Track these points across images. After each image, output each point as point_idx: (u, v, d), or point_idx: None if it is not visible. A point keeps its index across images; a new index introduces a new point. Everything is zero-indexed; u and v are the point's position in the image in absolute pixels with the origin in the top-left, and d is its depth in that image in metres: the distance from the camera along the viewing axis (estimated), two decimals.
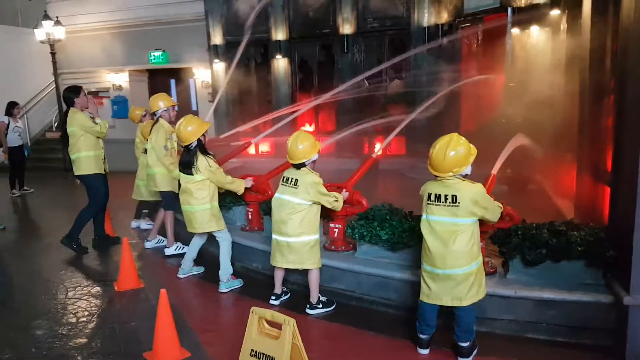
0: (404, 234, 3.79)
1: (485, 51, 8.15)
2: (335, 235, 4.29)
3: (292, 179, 3.75)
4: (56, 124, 13.07)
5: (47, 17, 11.54)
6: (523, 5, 7.49)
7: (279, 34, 10.48)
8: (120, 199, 7.04)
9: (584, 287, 3.28)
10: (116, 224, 6.41)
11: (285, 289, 4.13)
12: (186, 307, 4.05)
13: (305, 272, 3.90)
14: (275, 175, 4.68)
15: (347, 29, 10.02)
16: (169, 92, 12.83)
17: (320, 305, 3.86)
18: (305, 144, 3.70)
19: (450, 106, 7.47)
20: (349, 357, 3.26)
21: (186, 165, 4.26)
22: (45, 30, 11.48)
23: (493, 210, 3.07)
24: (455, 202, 2.94)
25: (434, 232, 3.01)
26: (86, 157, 5.26)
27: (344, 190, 4.15)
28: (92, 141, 5.28)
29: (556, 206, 5.50)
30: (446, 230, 2.96)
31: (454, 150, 2.93)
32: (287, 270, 4.00)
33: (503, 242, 3.53)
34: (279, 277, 4.02)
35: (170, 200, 5.27)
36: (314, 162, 3.82)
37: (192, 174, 4.25)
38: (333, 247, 4.29)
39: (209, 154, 4.31)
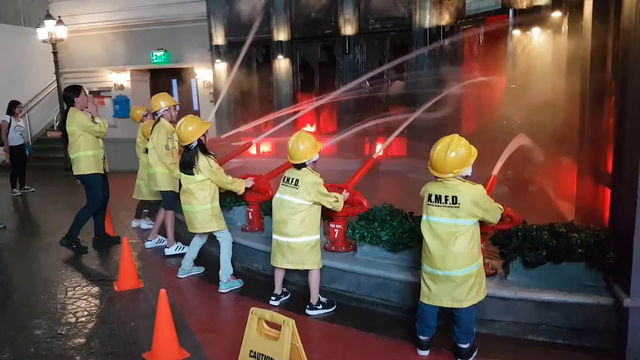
0: (405, 235, 3.79)
1: (486, 53, 8.15)
2: (336, 235, 4.28)
3: (292, 179, 3.75)
4: (57, 123, 13.09)
5: (49, 16, 11.56)
6: (524, 7, 7.49)
7: (281, 35, 10.49)
8: (121, 198, 7.05)
9: (584, 289, 3.27)
10: (116, 223, 6.42)
11: (285, 290, 4.13)
12: (186, 308, 4.04)
13: (305, 273, 3.90)
14: (276, 176, 4.67)
15: (348, 29, 10.02)
16: (170, 92, 12.85)
17: (320, 306, 3.85)
18: (306, 144, 3.70)
19: (452, 107, 7.46)
20: (349, 358, 3.25)
21: (187, 165, 4.26)
22: (48, 29, 11.51)
23: (493, 212, 3.07)
24: (456, 203, 2.93)
25: (434, 233, 3.00)
26: (85, 157, 5.25)
27: (345, 190, 4.14)
28: (91, 141, 5.28)
29: (557, 208, 5.49)
30: (446, 232, 2.96)
31: (454, 151, 2.93)
32: (287, 271, 4.00)
33: (503, 244, 3.53)
34: (279, 277, 4.01)
35: (171, 200, 5.27)
36: (314, 162, 3.82)
37: (192, 174, 4.25)
38: (333, 247, 4.29)
39: (210, 154, 4.31)
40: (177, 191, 4.98)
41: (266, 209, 4.71)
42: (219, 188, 4.43)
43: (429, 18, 9.33)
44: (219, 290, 4.33)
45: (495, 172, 3.75)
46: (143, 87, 13.43)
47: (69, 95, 5.29)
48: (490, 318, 3.42)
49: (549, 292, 3.30)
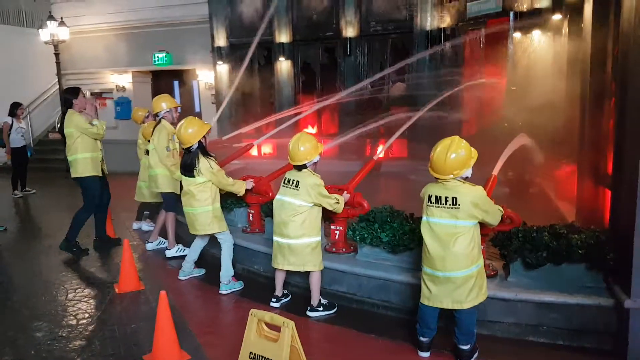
0: (405, 236, 3.79)
1: (487, 55, 8.16)
2: (336, 237, 4.29)
3: (293, 180, 3.76)
4: (58, 125, 13.14)
5: (51, 17, 11.60)
6: (525, 10, 7.51)
7: (283, 37, 10.51)
8: (122, 200, 7.06)
9: (584, 290, 3.27)
10: (117, 225, 6.43)
11: (286, 292, 4.13)
12: (187, 309, 4.05)
13: (306, 275, 3.90)
14: (277, 177, 4.68)
15: (350, 32, 10.04)
16: (172, 94, 12.88)
17: (321, 308, 3.86)
18: (306, 145, 3.71)
19: (452, 109, 7.47)
20: None
21: (188, 167, 4.27)
22: (50, 30, 11.54)
23: (494, 214, 3.07)
24: (456, 204, 2.94)
25: (434, 234, 3.01)
26: (83, 159, 5.25)
27: (345, 192, 4.15)
28: (89, 143, 5.27)
29: (557, 209, 5.49)
30: (446, 233, 2.96)
31: (454, 152, 2.94)
32: (288, 273, 4.00)
33: (504, 245, 3.53)
34: (280, 279, 4.02)
35: (172, 201, 5.28)
36: (315, 163, 3.83)
37: (193, 176, 4.25)
38: (334, 249, 4.29)
39: (211, 156, 4.31)
40: (178, 193, 4.99)
41: (267, 210, 4.71)
42: (220, 190, 4.43)
43: (430, 20, 9.35)
44: (220, 292, 4.33)
45: (495, 172, 3.75)
46: (145, 89, 13.46)
47: (68, 97, 5.31)
48: (490, 319, 3.42)
49: (549, 293, 3.30)
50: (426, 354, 3.20)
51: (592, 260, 3.25)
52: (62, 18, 11.70)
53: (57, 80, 12.23)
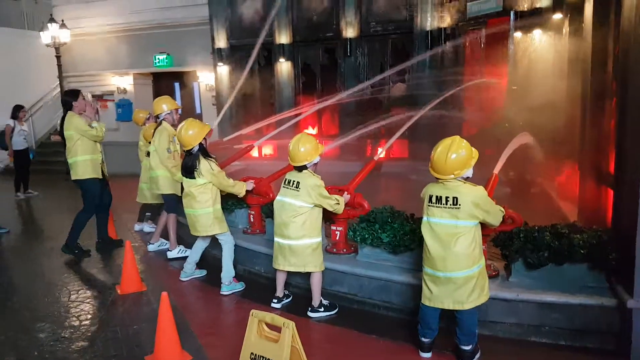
0: (406, 236, 3.78)
1: (487, 55, 8.16)
2: (337, 238, 4.29)
3: (293, 181, 3.76)
4: (59, 127, 13.18)
5: (52, 20, 11.63)
6: (525, 10, 7.50)
7: (283, 38, 10.52)
8: (124, 201, 7.08)
9: (587, 290, 3.26)
10: (119, 226, 6.44)
11: (287, 292, 4.13)
12: (188, 310, 4.05)
13: (307, 275, 3.90)
14: (278, 178, 4.68)
15: (350, 32, 10.05)
16: (173, 96, 12.91)
17: (322, 309, 3.85)
18: (307, 146, 3.71)
19: (453, 109, 7.47)
20: None
21: (188, 169, 4.27)
22: (51, 33, 11.57)
23: (495, 214, 3.06)
24: (456, 204, 2.93)
25: (435, 235, 3.00)
26: (83, 161, 5.25)
27: (346, 192, 4.15)
28: (88, 145, 5.27)
29: (559, 209, 5.48)
30: (447, 233, 2.95)
31: (455, 152, 2.93)
32: (289, 273, 4.00)
33: (505, 245, 3.52)
34: (280, 280, 4.02)
35: (173, 203, 5.29)
36: (315, 164, 3.83)
37: (194, 178, 4.26)
38: (335, 249, 4.29)
39: (211, 157, 4.32)
40: (179, 194, 5.00)
41: (267, 211, 4.71)
42: (220, 191, 4.44)
43: (430, 20, 9.35)
44: (221, 293, 4.34)
45: (496, 170, 3.74)
46: (146, 91, 13.50)
47: (67, 100, 5.31)
48: (492, 320, 3.41)
49: (551, 293, 3.29)
50: (427, 355, 3.19)
51: (594, 260, 3.24)
52: (63, 20, 11.73)
53: (58, 82, 12.27)
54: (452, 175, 2.95)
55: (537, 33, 7.33)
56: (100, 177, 5.44)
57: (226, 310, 4.18)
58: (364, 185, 4.42)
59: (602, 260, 3.22)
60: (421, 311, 3.15)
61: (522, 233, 3.45)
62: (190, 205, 4.35)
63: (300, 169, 3.75)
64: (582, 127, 5.01)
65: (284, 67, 10.68)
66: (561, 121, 5.93)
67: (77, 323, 3.86)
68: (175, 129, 5.03)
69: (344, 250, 4.27)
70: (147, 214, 6.53)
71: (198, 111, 13.36)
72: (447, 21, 9.12)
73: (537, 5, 7.37)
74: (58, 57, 11.84)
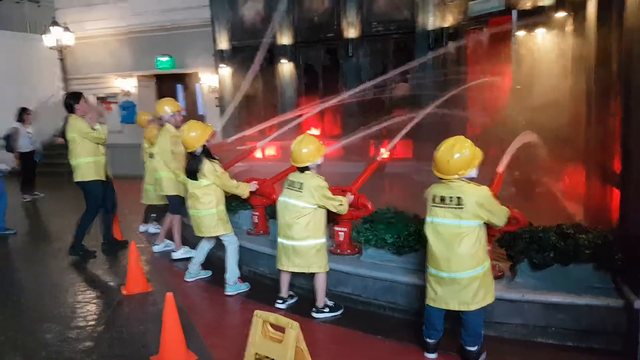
0: (410, 237, 3.78)
1: (490, 54, 8.13)
2: (341, 238, 4.28)
3: (296, 182, 3.76)
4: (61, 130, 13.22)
5: (55, 23, 11.68)
6: (528, 8, 7.48)
7: (284, 39, 10.53)
8: (129, 203, 7.10)
9: (592, 290, 3.25)
10: (125, 228, 6.46)
11: (291, 293, 4.13)
12: (193, 311, 4.06)
13: (311, 276, 3.90)
14: (281, 179, 4.68)
15: (351, 33, 10.04)
16: (176, 97, 12.95)
17: (327, 310, 3.85)
18: (309, 147, 3.71)
19: (457, 109, 7.46)
20: None
21: (192, 170, 4.28)
22: (54, 36, 11.62)
23: (499, 214, 3.04)
24: (460, 204, 2.92)
25: (438, 235, 2.99)
26: (85, 163, 5.27)
27: (349, 193, 4.15)
28: (91, 147, 5.28)
29: (565, 209, 5.46)
30: (450, 233, 2.94)
31: (459, 152, 2.92)
32: (293, 274, 4.00)
33: (510, 246, 3.51)
34: (285, 280, 4.02)
35: (177, 204, 5.30)
36: (318, 165, 3.83)
37: (198, 179, 4.27)
38: (339, 250, 4.29)
39: (214, 159, 4.33)
40: (183, 195, 5.01)
41: (271, 212, 4.71)
42: (224, 192, 4.44)
43: (432, 20, 9.33)
44: (226, 294, 4.35)
45: (501, 168, 3.72)
46: (149, 93, 13.53)
47: (69, 102, 5.33)
48: (497, 320, 3.40)
49: (556, 294, 3.28)
50: (433, 356, 3.19)
51: (600, 261, 3.22)
52: (65, 23, 11.79)
53: (62, 85, 12.32)
54: (456, 176, 2.94)
55: (540, 32, 7.30)
56: (103, 179, 5.45)
57: (231, 311, 4.19)
58: (368, 186, 4.42)
59: (608, 261, 3.20)
60: (426, 312, 3.14)
61: (527, 233, 3.44)
62: (194, 206, 4.36)
63: (303, 169, 3.76)
64: (587, 126, 4.99)
65: (285, 68, 10.69)
66: (565, 120, 5.90)
67: (83, 323, 3.88)
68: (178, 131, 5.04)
69: (348, 251, 4.27)
70: (152, 215, 6.55)
71: (200, 113, 13.39)
72: (449, 20, 9.10)
73: (540, 4, 7.34)
74: (61, 60, 11.90)
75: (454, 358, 3.17)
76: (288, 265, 3.83)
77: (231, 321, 4.07)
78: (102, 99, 13.47)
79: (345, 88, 9.76)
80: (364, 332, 3.59)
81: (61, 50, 11.79)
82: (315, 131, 10.62)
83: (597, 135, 4.48)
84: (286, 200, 3.79)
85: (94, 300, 4.38)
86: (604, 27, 4.31)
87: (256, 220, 5.02)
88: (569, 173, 5.86)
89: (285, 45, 10.51)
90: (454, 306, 2.99)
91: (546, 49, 7.20)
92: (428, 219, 3.08)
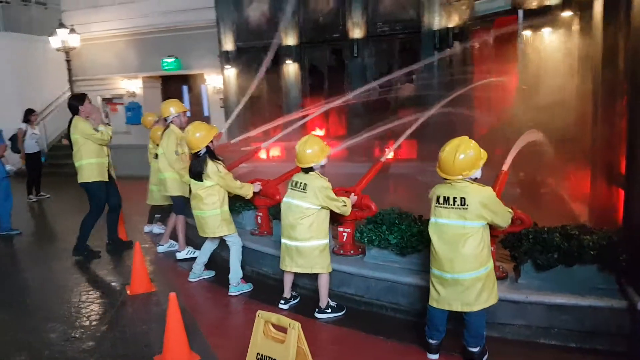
0: (413, 238, 3.77)
1: (496, 53, 8.10)
2: (344, 239, 4.28)
3: (300, 183, 3.76)
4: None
5: (62, 25, 11.78)
6: (534, 8, 7.43)
7: (290, 39, 10.54)
8: (134, 203, 7.14)
9: (596, 291, 3.22)
10: (130, 228, 6.50)
11: (294, 293, 4.13)
12: (197, 311, 4.08)
13: (314, 277, 3.90)
14: (285, 180, 4.69)
15: (357, 33, 10.04)
16: (181, 98, 13.02)
17: (330, 310, 3.85)
18: (314, 148, 3.71)
19: (463, 109, 7.43)
20: None
21: (196, 171, 4.30)
22: (61, 38, 11.72)
23: (503, 215, 3.02)
24: (464, 204, 2.91)
25: (442, 236, 2.98)
26: (88, 165, 5.30)
27: (353, 194, 4.14)
28: (94, 149, 5.31)
29: (570, 209, 5.42)
30: (454, 233, 2.93)
31: (463, 153, 2.91)
32: (296, 275, 4.01)
33: (514, 246, 3.49)
34: (288, 281, 4.02)
35: (181, 204, 5.32)
36: (322, 166, 3.83)
37: (202, 180, 4.28)
38: (342, 251, 4.28)
39: (218, 160, 4.34)
40: (187, 196, 5.03)
41: (275, 213, 4.73)
42: (228, 192, 4.46)
43: (437, 20, 9.31)
44: (229, 294, 4.36)
45: (505, 167, 3.70)
46: (154, 94, 13.61)
47: (74, 104, 5.37)
48: (501, 321, 3.38)
49: (560, 295, 3.26)
50: (435, 356, 3.17)
51: (604, 262, 3.20)
52: (72, 25, 11.88)
53: (69, 86, 12.42)
54: (460, 176, 2.93)
55: (546, 31, 7.26)
56: (107, 180, 5.47)
57: (234, 311, 4.20)
58: (372, 187, 4.41)
59: (612, 262, 3.17)
60: (429, 313, 3.13)
61: (531, 234, 3.42)
62: (198, 207, 4.37)
63: (307, 170, 3.76)
64: (593, 126, 4.96)
65: (290, 68, 10.71)
66: (572, 120, 5.86)
67: (87, 323, 3.91)
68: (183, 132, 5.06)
69: (352, 251, 4.26)
70: (156, 215, 6.59)
71: (206, 114, 13.44)
72: (455, 20, 9.07)
73: (546, 3, 7.30)
74: (68, 62, 11.99)
75: (456, 359, 3.15)
76: (291, 265, 3.83)
77: (234, 321, 4.08)
78: (107, 100, 13.57)
79: (351, 89, 9.76)
80: (366, 332, 3.58)
81: (67, 51, 11.87)
82: (319, 132, 10.63)
83: (603, 136, 4.45)
84: (290, 201, 3.79)
85: (98, 300, 4.41)
86: (610, 27, 4.27)
87: (260, 221, 5.03)
88: (575, 173, 5.81)
89: (290, 45, 10.53)
90: (456, 307, 2.98)
91: (552, 49, 7.15)
92: (432, 220, 3.07)
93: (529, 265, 3.42)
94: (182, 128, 5.21)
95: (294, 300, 4.10)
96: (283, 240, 3.86)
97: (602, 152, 4.43)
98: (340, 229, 4.28)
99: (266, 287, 4.49)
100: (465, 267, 2.91)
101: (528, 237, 3.42)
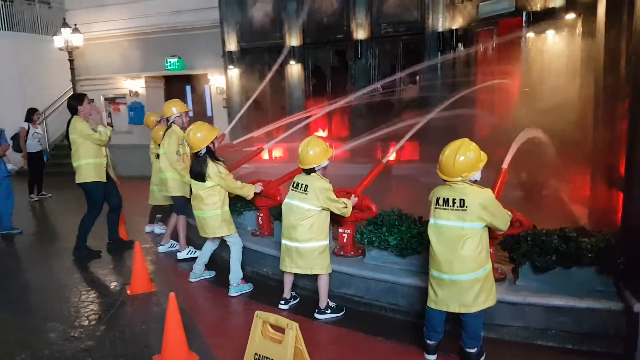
0: (413, 239, 3.78)
1: (500, 55, 8.09)
2: (345, 240, 4.29)
3: (302, 184, 3.77)
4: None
5: (65, 24, 11.82)
6: (538, 10, 7.42)
7: (293, 40, 10.55)
8: (135, 203, 7.16)
9: (594, 294, 3.23)
10: (131, 228, 6.52)
11: (294, 294, 4.15)
12: (196, 311, 4.10)
13: (314, 277, 3.92)
14: (287, 181, 4.70)
15: (360, 34, 10.04)
16: (184, 99, 13.06)
17: (329, 311, 3.86)
18: (316, 149, 3.72)
19: (465, 111, 7.42)
20: None
21: (197, 172, 4.31)
22: (64, 37, 11.76)
23: (502, 218, 3.02)
24: (464, 206, 2.92)
25: (441, 237, 2.99)
26: (86, 165, 5.30)
27: (353, 195, 4.15)
28: (92, 149, 5.31)
29: (570, 212, 5.41)
30: (453, 235, 2.94)
31: (463, 155, 2.92)
32: (296, 275, 4.02)
33: (513, 248, 3.50)
34: (288, 281, 4.04)
35: (182, 204, 5.34)
36: (324, 168, 3.84)
37: (202, 181, 4.30)
38: (342, 252, 4.29)
39: (219, 160, 4.36)
40: (188, 196, 5.05)
41: (276, 214, 4.74)
42: (229, 193, 4.48)
43: (441, 21, 9.30)
44: (229, 294, 4.37)
45: (505, 165, 3.70)
46: (157, 94, 13.65)
47: (73, 104, 5.38)
48: (498, 323, 3.39)
49: (558, 297, 3.27)
50: (433, 357, 3.19)
51: (602, 264, 3.20)
52: (75, 25, 11.93)
53: (71, 86, 12.47)
54: (460, 178, 2.94)
55: (550, 33, 7.25)
56: (105, 180, 5.47)
57: (234, 312, 4.21)
58: (374, 188, 4.42)
59: (610, 264, 3.18)
60: (427, 314, 3.14)
61: (530, 236, 3.43)
62: (199, 207, 4.39)
63: (309, 171, 3.77)
64: (594, 129, 4.95)
65: (294, 69, 10.72)
66: (573, 122, 5.85)
67: (86, 323, 3.93)
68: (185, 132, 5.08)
69: (352, 252, 4.27)
70: (157, 215, 6.61)
71: (209, 114, 13.47)
72: (459, 22, 9.06)
73: (550, 5, 7.29)
74: (71, 61, 12.04)
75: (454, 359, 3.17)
76: (291, 266, 3.84)
77: (234, 322, 4.09)
78: (110, 100, 13.62)
79: (354, 90, 9.77)
80: (365, 333, 3.59)
81: (70, 51, 11.92)
82: (322, 133, 10.64)
83: (604, 138, 4.44)
84: (291, 202, 3.81)
85: (98, 300, 4.43)
86: (613, 30, 4.27)
87: (261, 222, 5.05)
88: (576, 175, 5.80)
89: (293, 46, 10.54)
90: (454, 308, 2.99)
91: (556, 51, 7.14)
92: (431, 221, 3.08)
93: (527, 267, 3.43)
94: (184, 128, 5.23)
95: (293, 300, 4.11)
96: (283, 241, 3.88)
97: (603, 155, 4.43)
98: (341, 230, 4.30)
99: (266, 288, 4.51)
100: (464, 269, 2.92)
101: (527, 239, 3.43)
